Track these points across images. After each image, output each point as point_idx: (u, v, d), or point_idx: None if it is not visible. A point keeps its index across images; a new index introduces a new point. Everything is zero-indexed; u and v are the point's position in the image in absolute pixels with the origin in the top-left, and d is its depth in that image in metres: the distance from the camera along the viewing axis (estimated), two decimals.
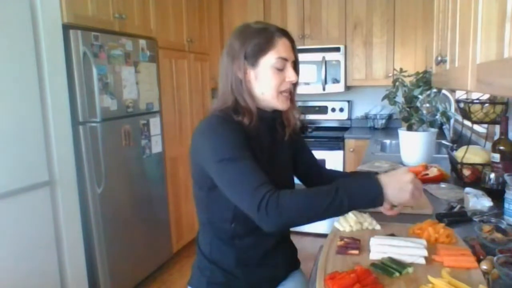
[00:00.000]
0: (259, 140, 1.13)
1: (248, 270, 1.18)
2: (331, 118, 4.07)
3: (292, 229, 1.30)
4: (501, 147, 1.54)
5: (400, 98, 2.14)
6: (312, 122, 4.10)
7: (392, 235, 1.12)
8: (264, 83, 1.10)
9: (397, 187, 0.96)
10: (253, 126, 1.10)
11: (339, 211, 0.97)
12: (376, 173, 1.22)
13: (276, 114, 1.19)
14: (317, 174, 1.39)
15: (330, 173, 1.40)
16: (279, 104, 1.13)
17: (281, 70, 1.10)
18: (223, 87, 1.14)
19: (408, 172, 1.00)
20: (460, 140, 2.67)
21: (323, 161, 3.51)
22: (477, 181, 1.62)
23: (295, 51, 1.15)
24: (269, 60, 1.09)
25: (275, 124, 1.21)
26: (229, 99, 1.11)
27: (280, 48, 1.09)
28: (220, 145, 1.03)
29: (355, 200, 0.96)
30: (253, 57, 1.09)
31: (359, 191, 0.96)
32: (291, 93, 1.17)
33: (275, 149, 1.21)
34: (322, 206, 0.94)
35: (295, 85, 1.17)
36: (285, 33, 1.12)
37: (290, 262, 1.33)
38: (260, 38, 1.09)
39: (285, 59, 1.10)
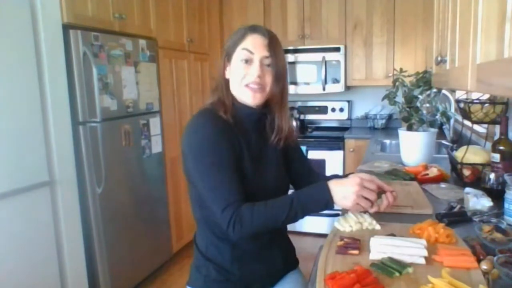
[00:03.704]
0: (246, 136, 1.17)
1: (244, 266, 1.19)
2: (331, 118, 4.07)
3: (290, 228, 1.31)
4: (501, 147, 1.54)
5: (400, 98, 2.13)
6: (312, 122, 4.10)
7: (392, 235, 1.12)
8: (232, 76, 1.16)
9: (341, 195, 1.06)
10: (238, 121, 1.15)
11: (295, 220, 1.09)
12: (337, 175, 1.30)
13: (262, 114, 1.21)
14: (306, 183, 1.37)
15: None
16: (244, 97, 1.16)
17: (249, 64, 1.13)
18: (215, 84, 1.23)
19: (355, 181, 1.07)
20: (460, 140, 2.67)
21: (323, 161, 3.51)
22: (477, 181, 1.62)
23: (270, 49, 1.13)
24: (238, 54, 1.14)
25: (263, 122, 1.23)
26: (215, 94, 1.20)
27: (248, 42, 1.13)
28: (200, 149, 1.09)
29: (308, 209, 1.08)
30: (229, 54, 1.17)
31: (310, 201, 1.08)
32: (277, 94, 1.18)
33: (265, 148, 1.22)
34: (280, 218, 1.06)
35: (283, 92, 1.19)
36: (257, 30, 1.15)
37: (287, 259, 1.33)
38: (235, 35, 1.16)
39: (250, 51, 1.12)
